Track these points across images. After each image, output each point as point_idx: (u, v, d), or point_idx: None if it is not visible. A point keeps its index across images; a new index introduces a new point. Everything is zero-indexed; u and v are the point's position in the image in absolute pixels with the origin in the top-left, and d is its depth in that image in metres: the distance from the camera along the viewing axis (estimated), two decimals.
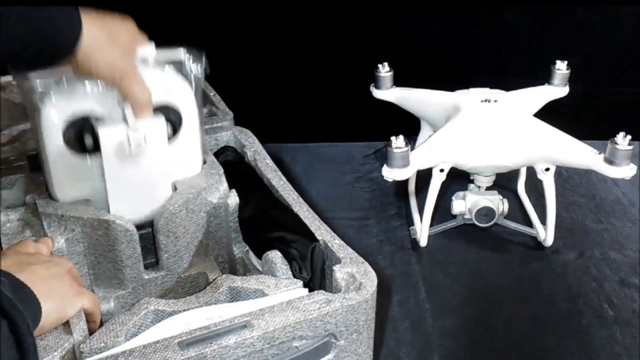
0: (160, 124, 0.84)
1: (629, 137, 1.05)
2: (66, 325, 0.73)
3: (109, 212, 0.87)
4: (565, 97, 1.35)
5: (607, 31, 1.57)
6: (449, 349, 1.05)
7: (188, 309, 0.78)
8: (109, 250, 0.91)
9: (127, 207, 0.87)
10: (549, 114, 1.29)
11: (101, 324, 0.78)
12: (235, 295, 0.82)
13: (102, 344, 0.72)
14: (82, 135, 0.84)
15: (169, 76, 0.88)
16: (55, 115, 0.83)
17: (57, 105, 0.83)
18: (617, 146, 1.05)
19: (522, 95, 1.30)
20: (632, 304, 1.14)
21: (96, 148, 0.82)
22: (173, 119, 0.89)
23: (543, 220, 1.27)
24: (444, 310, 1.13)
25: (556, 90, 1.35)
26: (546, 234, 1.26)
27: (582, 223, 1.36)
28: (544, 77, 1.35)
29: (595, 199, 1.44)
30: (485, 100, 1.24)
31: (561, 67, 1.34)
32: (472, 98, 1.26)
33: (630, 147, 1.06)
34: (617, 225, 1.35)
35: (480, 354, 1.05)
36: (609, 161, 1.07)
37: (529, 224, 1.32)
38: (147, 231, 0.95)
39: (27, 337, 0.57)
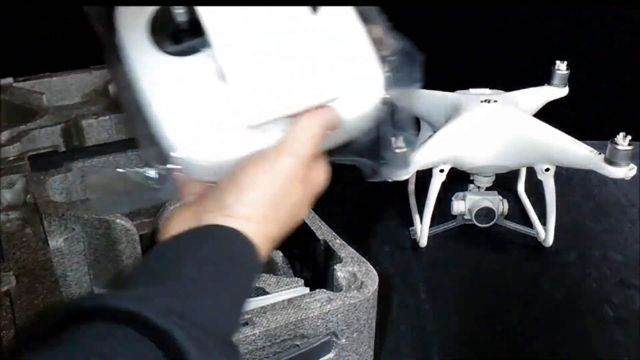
0: None
1: (629, 137, 1.05)
2: None
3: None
4: (565, 97, 1.35)
5: (607, 31, 1.58)
6: (449, 349, 1.05)
7: None
8: (109, 250, 0.91)
9: (258, 97, 0.54)
10: (549, 114, 1.29)
11: None
12: None
13: None
14: (176, 25, 0.57)
15: None
16: (133, 11, 0.60)
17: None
18: (617, 146, 1.05)
19: (522, 95, 1.30)
20: (632, 304, 1.14)
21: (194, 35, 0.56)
22: None
23: (543, 221, 1.27)
24: (444, 310, 1.13)
25: (556, 90, 1.35)
26: (546, 235, 1.26)
27: (582, 223, 1.36)
28: (544, 77, 1.36)
29: (595, 199, 1.44)
30: (485, 100, 1.24)
31: (561, 67, 1.34)
32: (472, 98, 1.26)
33: (630, 147, 1.06)
34: (617, 226, 1.35)
35: (480, 354, 1.05)
36: (609, 161, 1.07)
37: (529, 224, 1.32)
38: (147, 232, 0.95)
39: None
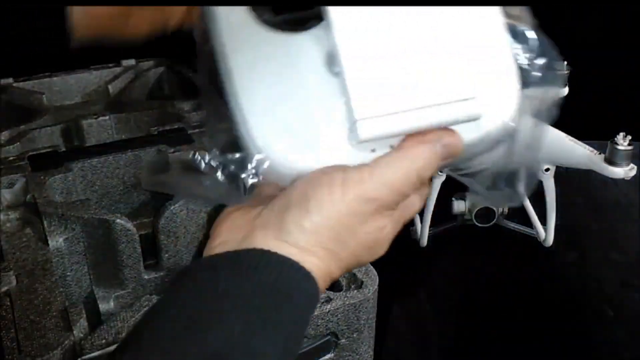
0: None
1: (629, 137, 1.06)
2: (66, 322, 0.72)
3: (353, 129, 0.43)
4: (565, 97, 1.35)
5: (607, 31, 1.58)
6: (449, 349, 1.05)
7: None
8: (109, 250, 0.91)
9: (379, 107, 0.43)
10: None
11: (102, 322, 0.78)
12: None
13: (103, 341, 0.71)
14: None
15: None
16: None
17: None
18: (617, 146, 1.06)
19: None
20: (632, 304, 1.14)
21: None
22: None
23: (543, 221, 1.27)
24: (444, 310, 1.13)
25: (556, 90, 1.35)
26: (546, 234, 1.26)
27: (582, 223, 1.36)
28: None
29: (595, 199, 1.44)
30: None
31: (561, 67, 1.34)
32: None
33: (630, 147, 1.06)
34: (617, 226, 1.35)
35: (480, 354, 1.05)
36: (609, 161, 1.07)
37: (529, 224, 1.32)
38: (148, 232, 0.95)
39: None
